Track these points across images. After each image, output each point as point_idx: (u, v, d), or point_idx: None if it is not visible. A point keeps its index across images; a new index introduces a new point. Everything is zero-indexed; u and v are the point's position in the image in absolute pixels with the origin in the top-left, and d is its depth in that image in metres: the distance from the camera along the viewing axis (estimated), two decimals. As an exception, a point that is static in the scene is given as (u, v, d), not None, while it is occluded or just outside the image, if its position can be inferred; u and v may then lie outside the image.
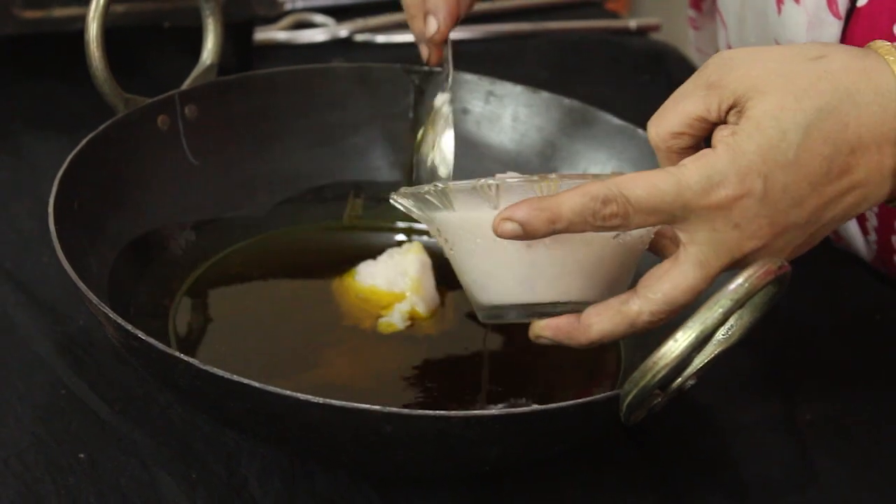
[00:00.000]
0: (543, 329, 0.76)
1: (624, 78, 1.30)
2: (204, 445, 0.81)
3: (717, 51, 1.17)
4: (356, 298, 0.91)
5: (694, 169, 0.71)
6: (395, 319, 0.89)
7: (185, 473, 0.79)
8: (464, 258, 0.78)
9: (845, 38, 0.89)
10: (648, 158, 0.95)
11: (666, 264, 0.73)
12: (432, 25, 0.92)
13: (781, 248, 0.73)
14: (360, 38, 1.29)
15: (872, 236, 0.95)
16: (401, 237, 0.99)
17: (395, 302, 0.90)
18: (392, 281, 0.91)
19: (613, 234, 0.75)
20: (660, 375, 0.69)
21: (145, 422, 0.83)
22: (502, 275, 0.77)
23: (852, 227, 0.96)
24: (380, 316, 0.90)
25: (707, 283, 0.72)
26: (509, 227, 0.72)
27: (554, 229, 0.72)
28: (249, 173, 0.98)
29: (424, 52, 0.94)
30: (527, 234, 0.72)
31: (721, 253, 0.72)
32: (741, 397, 0.89)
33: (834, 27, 0.89)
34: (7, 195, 1.03)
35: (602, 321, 0.74)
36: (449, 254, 0.80)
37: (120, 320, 0.73)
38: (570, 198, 0.71)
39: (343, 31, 1.29)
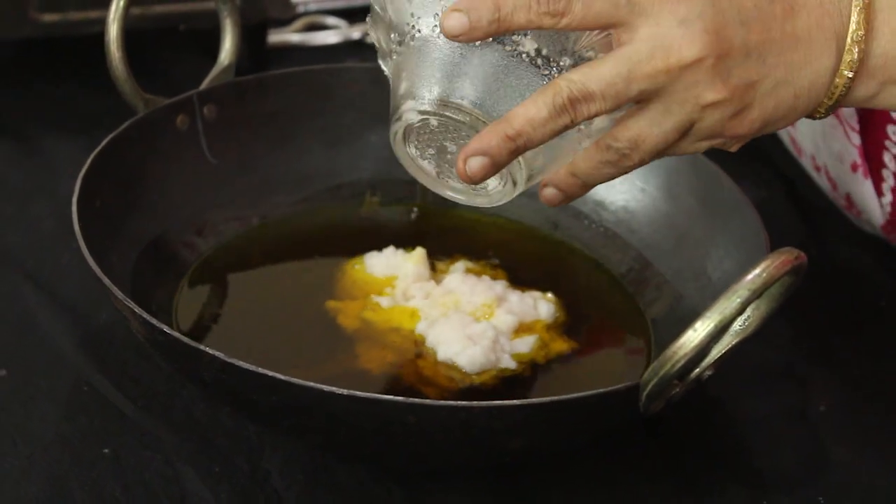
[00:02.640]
0: (469, 148, 0.72)
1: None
2: (226, 440, 0.82)
3: None
4: (351, 283, 0.92)
5: None
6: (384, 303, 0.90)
7: (208, 468, 0.80)
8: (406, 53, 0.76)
9: None
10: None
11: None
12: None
13: (720, 75, 0.72)
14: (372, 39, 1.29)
15: (887, 198, 0.96)
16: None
17: (385, 286, 0.91)
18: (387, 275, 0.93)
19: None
20: (679, 365, 0.70)
21: (168, 417, 0.84)
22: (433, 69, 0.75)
23: (867, 190, 0.96)
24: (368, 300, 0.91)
25: (626, 83, 0.71)
26: (455, 17, 0.71)
27: (499, 17, 0.70)
28: (267, 172, 0.99)
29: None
30: (471, 25, 0.70)
31: (657, 53, 0.70)
32: (755, 389, 0.90)
33: None
34: (26, 196, 1.04)
35: (525, 105, 0.71)
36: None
37: (145, 315, 0.74)
38: None
39: (355, 33, 1.29)
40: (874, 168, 0.96)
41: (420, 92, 0.74)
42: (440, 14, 0.73)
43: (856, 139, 0.95)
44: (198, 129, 0.95)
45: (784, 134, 1.08)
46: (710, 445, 0.86)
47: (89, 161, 0.86)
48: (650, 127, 0.73)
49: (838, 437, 0.87)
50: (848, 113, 0.94)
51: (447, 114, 0.74)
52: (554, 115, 0.71)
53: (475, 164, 0.72)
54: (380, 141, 1.01)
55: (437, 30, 0.73)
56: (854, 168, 0.98)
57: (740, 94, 0.73)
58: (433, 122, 0.75)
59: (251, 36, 1.18)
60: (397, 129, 0.77)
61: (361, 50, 1.28)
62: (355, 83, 1.01)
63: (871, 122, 0.95)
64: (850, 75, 0.74)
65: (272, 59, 1.23)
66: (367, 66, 1.02)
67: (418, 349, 0.87)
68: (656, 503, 0.81)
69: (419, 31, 0.75)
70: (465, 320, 0.87)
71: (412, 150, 0.78)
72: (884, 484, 0.84)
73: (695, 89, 0.72)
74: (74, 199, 0.83)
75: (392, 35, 0.77)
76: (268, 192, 0.98)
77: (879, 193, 0.97)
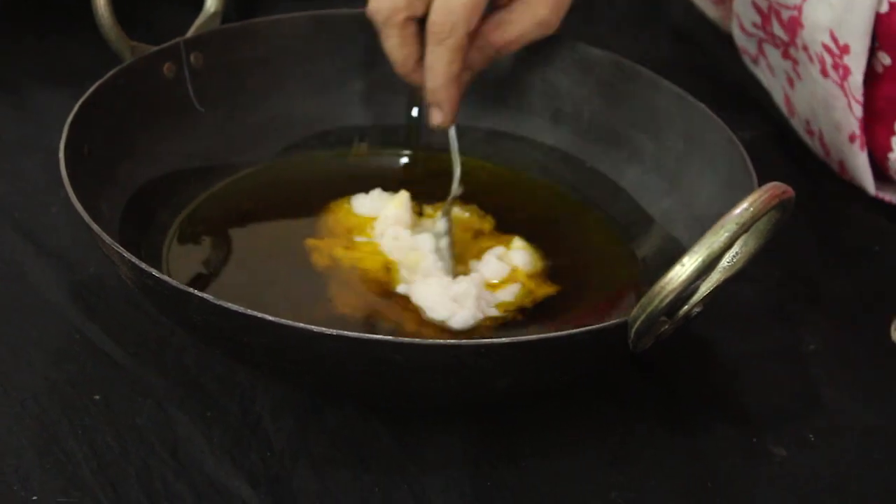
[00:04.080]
0: None
1: (623, 23, 1.30)
2: (218, 385, 0.82)
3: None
4: (335, 221, 0.93)
5: None
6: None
7: (200, 412, 0.80)
8: None
9: None
10: (641, 91, 0.96)
11: None
12: (436, 118, 0.93)
13: None
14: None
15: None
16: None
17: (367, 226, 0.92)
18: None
19: None
20: (667, 301, 0.70)
21: (159, 364, 0.84)
22: None
23: (862, 161, 0.98)
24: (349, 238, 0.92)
25: None
26: None
27: None
28: (255, 119, 0.98)
29: (436, 116, 0.93)
30: None
31: None
32: (746, 330, 0.90)
33: None
34: (13, 148, 1.04)
35: None
36: None
37: (134, 259, 0.74)
38: None
39: (343, -19, 1.29)
40: (876, 146, 0.97)
41: None
42: None
43: (858, 111, 0.96)
44: (185, 77, 0.95)
45: (779, 92, 1.08)
46: (701, 385, 0.86)
47: (76, 108, 0.86)
48: None
49: (828, 376, 0.87)
50: (854, 86, 0.94)
51: None
52: None
53: None
54: (367, 87, 1.01)
55: None
56: (852, 139, 0.98)
57: None
58: None
59: (238, -14, 1.18)
60: None
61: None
62: (343, 30, 1.00)
63: (875, 97, 0.96)
64: None
65: (259, 8, 1.22)
66: (354, 12, 1.02)
67: (404, 305, 0.87)
68: (647, 443, 0.81)
69: None
70: (444, 280, 0.87)
71: None
72: (873, 422, 0.84)
73: None
74: (62, 146, 0.82)
75: None
76: (256, 139, 0.98)
77: (886, 171, 0.98)
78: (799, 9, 0.96)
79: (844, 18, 0.93)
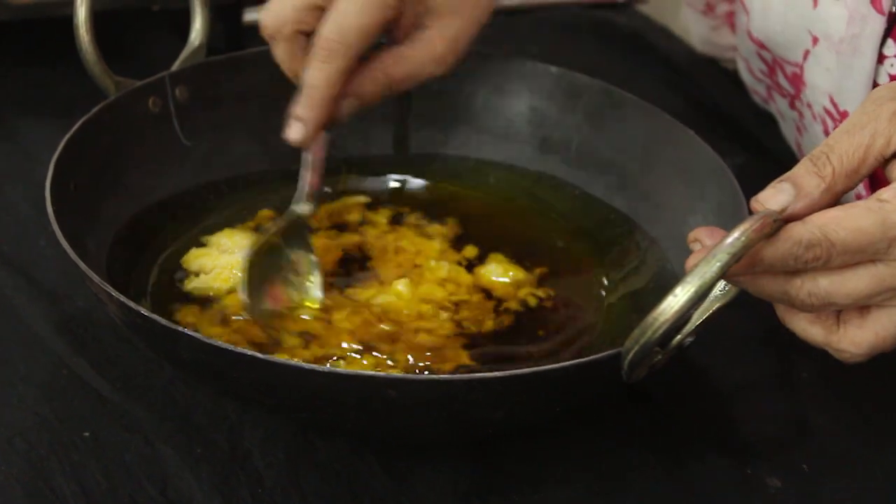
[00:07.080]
0: None
1: (613, 53, 1.30)
2: (206, 420, 0.82)
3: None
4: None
5: None
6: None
7: (188, 448, 0.80)
8: None
9: (892, 34, 0.89)
10: (630, 117, 0.96)
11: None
12: (293, 134, 0.88)
13: None
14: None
15: None
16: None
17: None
18: None
19: None
20: (660, 331, 0.69)
21: (147, 399, 0.83)
22: None
23: None
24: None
25: (868, 298, 0.70)
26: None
27: (753, 272, 0.70)
28: (242, 152, 0.98)
29: (294, 132, 0.88)
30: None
31: None
32: (738, 359, 0.90)
33: (877, 23, 0.88)
34: (2, 180, 1.03)
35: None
36: None
37: (122, 297, 0.73)
38: (771, 243, 0.69)
39: (329, 10, 1.28)
40: None
41: None
42: None
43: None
44: (170, 111, 0.94)
45: (790, 136, 1.07)
46: (694, 414, 0.85)
47: (61, 145, 0.85)
48: None
49: (820, 404, 0.86)
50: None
51: None
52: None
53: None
54: (353, 118, 1.00)
55: None
56: (858, 199, 0.97)
57: None
58: None
59: (226, 15, 1.17)
60: None
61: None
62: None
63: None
64: None
65: (248, 39, 1.22)
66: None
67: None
68: (640, 472, 0.81)
69: None
70: None
71: None
72: (866, 450, 0.84)
73: None
74: (48, 184, 0.82)
75: None
76: (243, 172, 0.98)
77: None
78: (801, 67, 0.95)
79: (842, 85, 0.92)
